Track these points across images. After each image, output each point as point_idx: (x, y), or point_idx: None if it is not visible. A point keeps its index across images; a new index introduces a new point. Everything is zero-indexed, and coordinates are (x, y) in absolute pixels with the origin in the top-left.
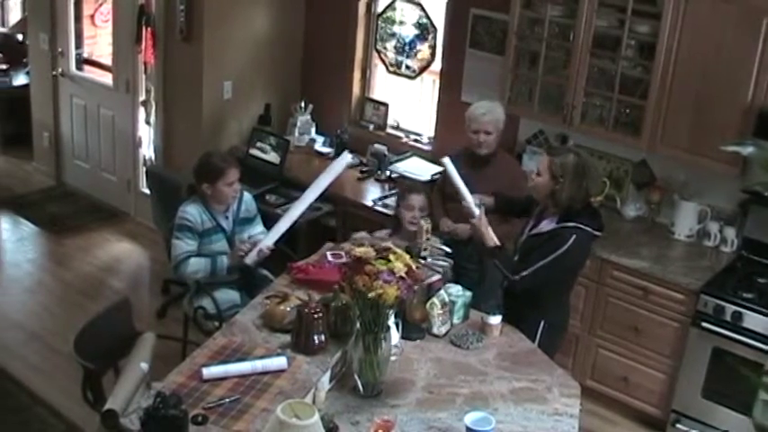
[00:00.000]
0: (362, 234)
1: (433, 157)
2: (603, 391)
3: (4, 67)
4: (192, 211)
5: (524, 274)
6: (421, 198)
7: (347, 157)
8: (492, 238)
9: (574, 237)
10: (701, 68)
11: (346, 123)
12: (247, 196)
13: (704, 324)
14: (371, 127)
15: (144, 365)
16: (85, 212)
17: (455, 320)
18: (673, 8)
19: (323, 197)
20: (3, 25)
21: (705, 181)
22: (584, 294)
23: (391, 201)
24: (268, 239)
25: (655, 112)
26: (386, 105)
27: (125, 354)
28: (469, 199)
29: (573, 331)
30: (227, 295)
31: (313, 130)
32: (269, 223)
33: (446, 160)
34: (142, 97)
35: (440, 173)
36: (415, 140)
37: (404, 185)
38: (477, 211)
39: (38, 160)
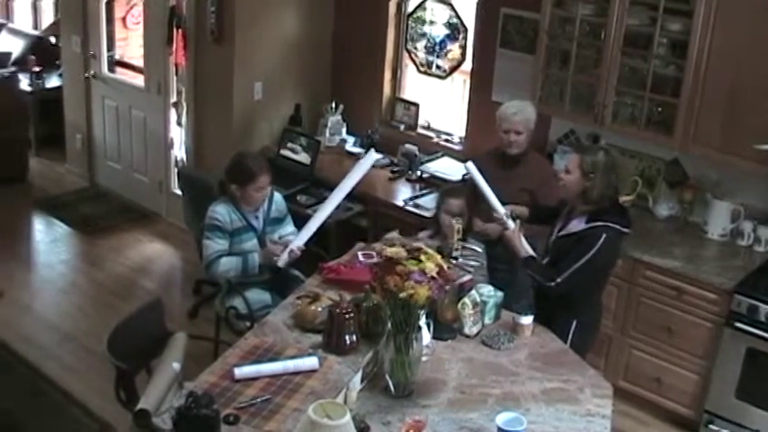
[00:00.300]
0: (394, 234)
1: (464, 157)
2: (636, 391)
3: (37, 69)
4: (221, 211)
5: (560, 280)
6: (459, 202)
7: (373, 156)
8: (526, 250)
9: (604, 236)
10: (734, 67)
11: (377, 123)
12: (278, 196)
13: (738, 324)
14: (402, 127)
15: (176, 365)
16: (118, 213)
17: (486, 321)
18: (705, 5)
19: (354, 197)
20: (36, 28)
21: (738, 180)
22: (616, 294)
23: (423, 201)
24: (298, 240)
25: (687, 111)
26: (416, 105)
27: (157, 354)
28: (501, 211)
29: (605, 331)
30: (259, 295)
31: (344, 130)
32: (300, 224)
33: (470, 165)
34: (173, 99)
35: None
36: (446, 140)
37: (444, 189)
38: (510, 224)
39: (71, 162)
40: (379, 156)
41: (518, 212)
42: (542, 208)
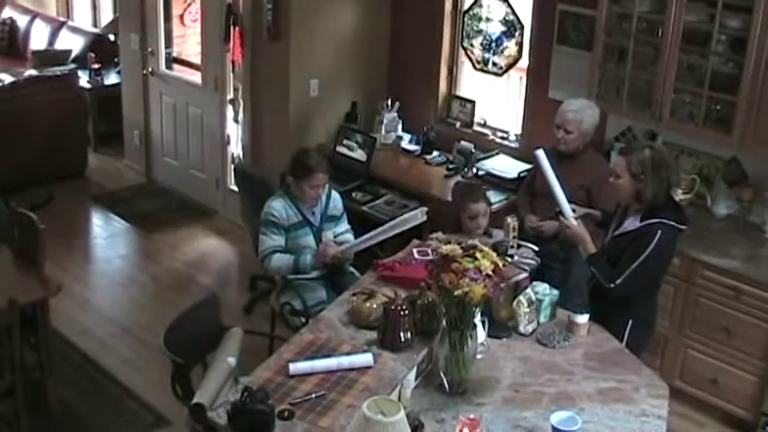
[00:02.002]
0: (440, 235)
1: (520, 155)
2: (692, 392)
3: (96, 66)
4: (277, 207)
5: (619, 282)
6: (482, 206)
7: (421, 215)
8: (592, 246)
9: (660, 233)
10: None
11: (433, 121)
12: (335, 195)
13: None
14: (458, 124)
15: (231, 360)
16: (174, 209)
17: (542, 319)
18: (765, 1)
19: (409, 195)
20: (95, 26)
21: None
22: (673, 294)
23: None
24: (351, 247)
25: (746, 109)
26: (472, 103)
27: (213, 348)
28: (567, 210)
29: (661, 331)
30: (314, 292)
31: (399, 127)
32: (355, 221)
33: (539, 153)
34: (230, 95)
35: (528, 169)
36: (502, 138)
37: (459, 191)
38: (573, 220)
39: (129, 158)
40: (435, 153)
41: (593, 214)
42: (599, 209)
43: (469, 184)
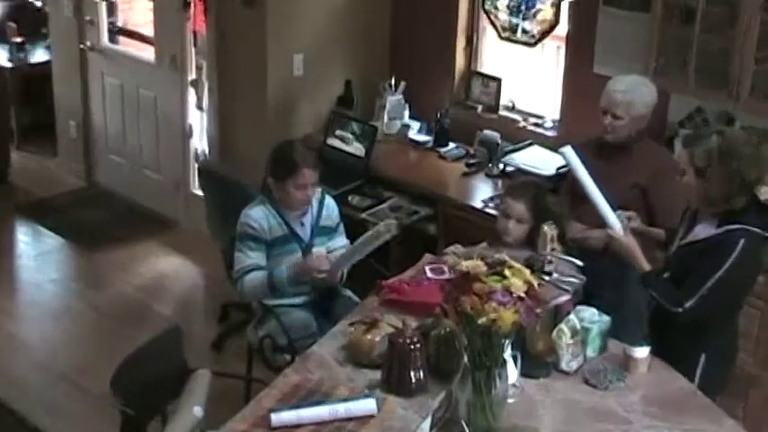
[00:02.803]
0: (458, 248)
1: (559, 146)
2: None
3: (18, 40)
4: (256, 216)
5: (689, 305)
6: (520, 206)
7: (388, 227)
8: (645, 263)
9: (742, 242)
10: None
11: (448, 104)
12: (330, 201)
13: None
14: (480, 108)
15: (197, 410)
16: (123, 220)
17: (589, 353)
18: None
19: (420, 198)
20: None
21: None
22: (759, 319)
23: None
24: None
25: None
26: (498, 81)
27: (174, 396)
28: (611, 218)
29: (744, 367)
30: (301, 321)
31: (406, 113)
32: (352, 233)
33: (567, 150)
34: (192, 75)
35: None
36: (536, 124)
37: (507, 186)
38: (619, 229)
39: (63, 156)
40: (451, 145)
41: (636, 225)
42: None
43: (524, 180)
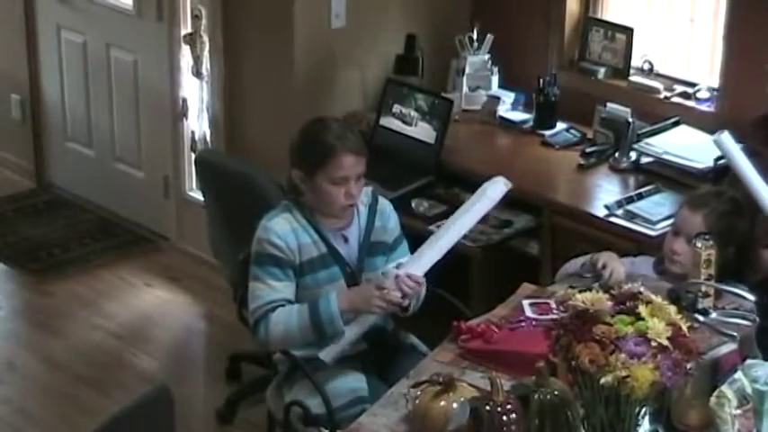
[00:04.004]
0: (570, 268)
1: (719, 125)
2: None
3: None
4: (279, 229)
5: None
6: (696, 218)
7: (502, 186)
8: None
9: None
10: None
11: (555, 68)
12: (385, 207)
13: None
14: (602, 72)
15: None
16: (89, 237)
17: (765, 429)
18: None
19: (515, 203)
20: None
21: None
22: None
23: (642, 208)
24: (410, 266)
25: None
26: (628, 32)
27: None
28: None
29: None
30: (345, 380)
31: (494, 81)
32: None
33: (723, 139)
34: (186, 29)
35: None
36: (684, 95)
37: (689, 194)
38: None
39: (1, 146)
40: (559, 126)
41: None
42: None
43: (717, 190)
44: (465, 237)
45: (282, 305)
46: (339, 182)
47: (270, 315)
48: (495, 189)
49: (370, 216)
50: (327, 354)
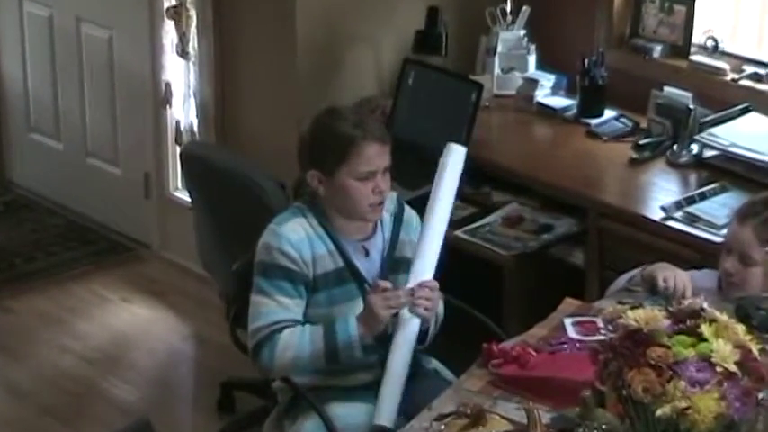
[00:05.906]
0: (620, 283)
1: None
2: None
3: None
4: (293, 237)
5: None
6: (746, 233)
7: (461, 152)
8: None
9: None
10: None
11: (602, 46)
12: (412, 216)
13: None
14: (657, 51)
15: None
16: (57, 244)
17: None
18: None
19: (556, 204)
20: None
21: None
22: None
23: (706, 209)
24: (419, 272)
25: None
26: (689, 3)
27: None
28: None
29: None
30: (358, 412)
31: (531, 61)
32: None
33: None
34: (170, 1)
35: None
36: (755, 77)
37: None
38: None
39: None
40: (608, 114)
41: None
42: None
43: (763, 196)
44: (496, 244)
45: (291, 326)
46: (365, 177)
47: (277, 337)
48: (456, 158)
49: (396, 226)
50: (383, 416)
